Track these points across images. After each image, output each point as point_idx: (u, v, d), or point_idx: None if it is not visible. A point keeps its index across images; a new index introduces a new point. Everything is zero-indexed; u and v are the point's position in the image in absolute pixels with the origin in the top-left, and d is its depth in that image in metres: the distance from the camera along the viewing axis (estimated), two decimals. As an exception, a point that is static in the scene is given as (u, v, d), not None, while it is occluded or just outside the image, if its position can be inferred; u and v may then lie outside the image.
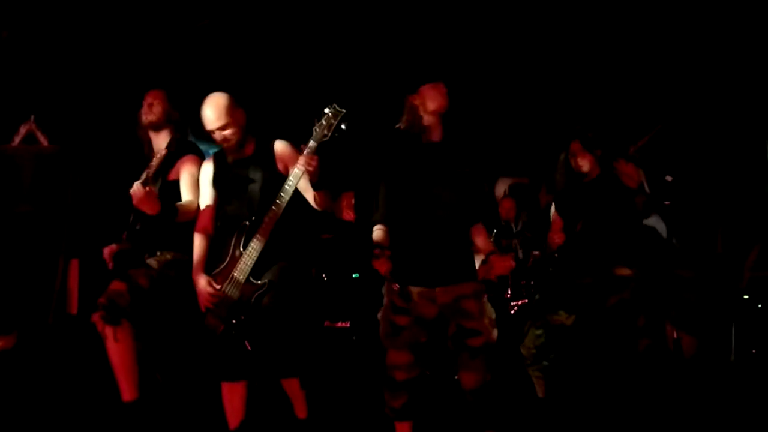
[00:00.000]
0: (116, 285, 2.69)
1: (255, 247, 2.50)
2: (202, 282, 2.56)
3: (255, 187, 2.58)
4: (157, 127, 2.85)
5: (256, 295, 2.49)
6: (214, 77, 4.91)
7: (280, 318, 2.52)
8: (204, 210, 2.70)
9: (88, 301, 2.79)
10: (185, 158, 2.79)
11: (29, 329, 3.78)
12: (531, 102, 5.29)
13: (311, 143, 2.43)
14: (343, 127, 2.42)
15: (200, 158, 2.84)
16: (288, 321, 2.56)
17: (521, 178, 5.83)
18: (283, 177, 2.54)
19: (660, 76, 4.68)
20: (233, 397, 2.59)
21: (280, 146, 2.64)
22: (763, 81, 4.49)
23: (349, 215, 4.52)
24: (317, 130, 2.43)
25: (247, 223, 2.54)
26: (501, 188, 5.83)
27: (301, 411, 2.76)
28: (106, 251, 2.80)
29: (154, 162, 2.57)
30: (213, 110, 2.57)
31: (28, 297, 3.87)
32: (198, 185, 2.73)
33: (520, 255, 4.58)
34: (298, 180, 2.48)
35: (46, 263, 3.90)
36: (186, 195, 2.75)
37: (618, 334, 2.92)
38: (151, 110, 2.85)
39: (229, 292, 2.52)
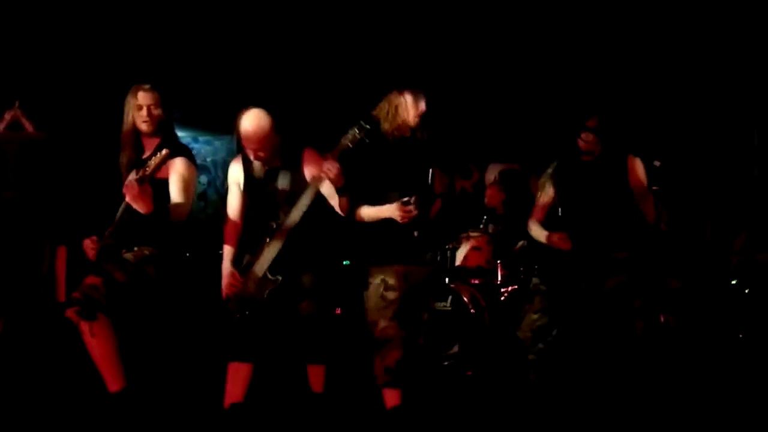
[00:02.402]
0: (91, 279, 2.68)
1: (274, 245, 2.67)
2: (226, 270, 2.80)
3: (283, 194, 2.75)
4: (152, 135, 2.82)
5: (269, 290, 2.68)
6: (204, 64, 4.90)
7: (292, 312, 2.73)
8: (234, 208, 2.87)
9: (76, 288, 2.77)
10: (176, 159, 2.76)
11: (16, 316, 3.76)
12: (522, 89, 5.29)
13: (334, 152, 2.60)
14: (366, 141, 2.62)
15: (191, 161, 2.85)
16: (302, 314, 2.74)
17: (512, 164, 5.84)
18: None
19: (649, 62, 4.69)
20: (237, 377, 2.72)
21: (308, 155, 2.80)
22: (751, 67, 4.51)
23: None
24: (342, 141, 2.61)
25: (274, 224, 2.71)
26: (491, 174, 5.84)
27: (318, 385, 2.88)
28: (87, 243, 2.77)
29: (153, 162, 2.56)
30: (255, 131, 2.68)
31: (14, 284, 3.85)
32: (189, 189, 2.79)
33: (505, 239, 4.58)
34: (318, 185, 2.67)
35: (33, 250, 3.88)
36: (177, 197, 2.74)
37: (616, 316, 2.96)
38: (150, 119, 2.80)
39: (248, 285, 2.71)
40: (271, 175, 2.79)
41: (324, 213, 2.78)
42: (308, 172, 2.74)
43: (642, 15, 4.35)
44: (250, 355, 2.73)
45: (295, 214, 2.66)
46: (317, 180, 2.65)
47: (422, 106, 2.73)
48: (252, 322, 2.69)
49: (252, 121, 2.68)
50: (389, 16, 4.49)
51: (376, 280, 2.69)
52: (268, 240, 2.70)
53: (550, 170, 3.22)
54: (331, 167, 2.54)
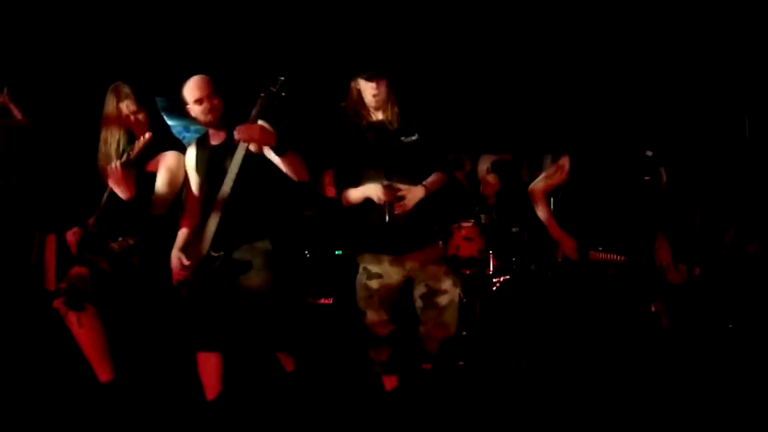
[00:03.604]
0: (77, 270, 2.67)
1: (213, 221, 2.59)
2: (174, 257, 2.71)
3: (228, 169, 2.63)
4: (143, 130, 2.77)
5: (214, 266, 2.60)
6: (199, 52, 4.85)
7: (237, 290, 2.60)
8: (191, 196, 2.80)
9: (65, 276, 2.75)
10: (167, 153, 2.77)
11: (4, 305, 3.73)
12: (513, 80, 5.28)
13: (252, 112, 2.55)
14: (283, 94, 2.57)
15: (182, 153, 2.83)
16: (250, 295, 2.61)
17: (504, 155, 5.85)
18: (256, 156, 2.63)
19: (640, 54, 4.69)
20: (207, 368, 2.65)
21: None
22: (742, 58, 4.52)
23: (331, 192, 4.50)
24: (261, 98, 2.57)
25: (213, 200, 2.63)
26: (484, 165, 5.85)
27: (288, 365, 2.92)
28: (69, 234, 2.74)
29: (137, 146, 2.55)
30: (198, 81, 2.65)
31: (2, 273, 3.82)
32: (174, 182, 2.77)
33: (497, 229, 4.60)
34: (244, 152, 2.57)
35: (21, 238, 3.84)
36: (161, 188, 2.73)
37: (616, 302, 3.00)
38: (140, 124, 2.77)
39: (196, 265, 2.62)
40: (218, 153, 2.72)
41: (263, 182, 2.67)
42: (236, 130, 2.60)
43: (634, 8, 4.35)
44: (214, 343, 2.60)
45: (227, 185, 2.57)
46: (241, 147, 2.56)
47: (375, 88, 2.67)
48: (204, 305, 2.58)
49: (191, 79, 2.68)
50: (381, 8, 4.46)
51: (360, 269, 2.74)
52: (208, 216, 2.61)
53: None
54: (246, 131, 2.47)
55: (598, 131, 3.08)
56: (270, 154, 2.60)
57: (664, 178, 3.07)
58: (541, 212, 3.13)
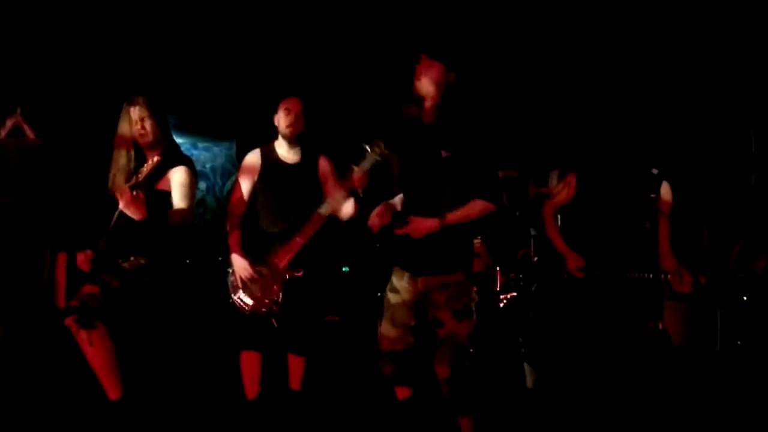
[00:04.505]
0: (88, 288, 2.69)
1: (297, 242, 2.86)
2: (240, 261, 2.92)
3: (298, 192, 2.98)
4: (152, 146, 2.84)
5: (289, 282, 2.87)
6: (209, 71, 4.91)
7: (308, 304, 2.96)
8: (238, 194, 3.05)
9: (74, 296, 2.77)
10: (176, 168, 2.80)
11: (16, 322, 3.76)
12: (519, 96, 5.31)
13: (362, 164, 2.68)
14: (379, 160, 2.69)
15: (191, 170, 2.86)
16: (313, 306, 3.00)
17: (510, 171, 5.85)
18: (319, 185, 3.05)
19: (646, 69, 4.71)
20: (251, 366, 2.95)
21: (325, 165, 3.11)
22: (748, 72, 4.53)
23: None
24: (365, 160, 2.67)
25: (292, 218, 2.90)
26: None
27: (295, 383, 3.06)
28: (81, 257, 2.77)
29: (146, 168, 2.60)
30: (295, 98, 3.05)
31: (14, 290, 3.85)
32: (190, 195, 2.83)
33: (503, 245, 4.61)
34: (343, 200, 2.90)
35: (33, 256, 3.88)
36: (179, 202, 2.77)
37: (626, 318, 3.00)
38: (145, 131, 2.82)
39: (266, 277, 2.88)
40: (292, 173, 3.03)
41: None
42: (323, 179, 3.06)
43: (639, 22, 4.37)
44: (259, 344, 2.93)
45: (318, 219, 2.85)
46: (346, 188, 2.80)
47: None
48: (268, 314, 2.87)
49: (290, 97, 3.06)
50: (391, 22, 4.50)
51: (390, 281, 2.66)
52: (285, 234, 2.88)
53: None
54: (363, 182, 2.71)
55: (604, 149, 3.10)
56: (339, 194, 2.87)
57: (670, 195, 3.07)
58: (548, 229, 3.14)
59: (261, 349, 2.96)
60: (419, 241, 2.45)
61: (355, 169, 2.72)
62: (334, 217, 3.02)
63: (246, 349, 2.95)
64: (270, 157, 3.07)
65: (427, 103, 2.53)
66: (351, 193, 2.86)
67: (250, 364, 2.95)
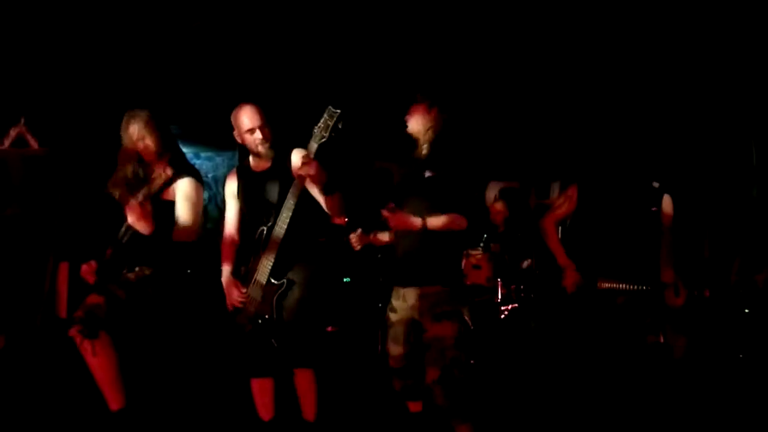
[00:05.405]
0: (93, 298, 2.69)
1: (270, 250, 2.65)
2: (229, 283, 2.77)
3: (273, 197, 2.70)
4: (157, 159, 2.81)
5: (277, 294, 2.66)
6: (211, 81, 4.93)
7: (301, 314, 2.70)
8: (230, 221, 2.87)
9: (78, 305, 2.77)
10: (183, 180, 2.77)
11: (18, 332, 3.76)
12: (521, 107, 5.33)
13: (310, 146, 2.54)
14: (339, 126, 2.53)
15: (198, 181, 2.84)
16: (308, 316, 2.73)
17: (511, 182, 5.87)
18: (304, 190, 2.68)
19: (648, 83, 4.72)
20: (263, 393, 2.80)
21: (295, 156, 2.71)
22: (749, 85, 4.54)
23: (340, 219, 4.53)
24: (315, 132, 2.55)
25: (264, 229, 2.68)
26: (491, 192, 5.87)
27: (309, 413, 2.80)
28: (85, 268, 2.76)
29: (156, 183, 2.59)
30: (254, 110, 2.72)
31: (16, 300, 3.85)
32: (195, 209, 2.79)
33: (505, 256, 4.61)
34: (301, 188, 2.61)
35: (35, 266, 3.88)
36: (183, 218, 2.75)
37: (627, 331, 2.99)
38: (146, 151, 2.78)
39: (253, 294, 2.69)
40: (263, 180, 2.77)
41: (315, 213, 2.74)
42: (294, 163, 2.66)
43: (641, 35, 4.39)
44: (269, 369, 2.76)
45: (284, 216, 2.61)
46: (299, 181, 2.59)
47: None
48: (266, 332, 2.68)
49: (245, 105, 2.74)
50: (392, 33, 4.52)
51: (390, 300, 2.73)
52: (262, 245, 2.67)
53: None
54: (308, 167, 2.49)
55: (606, 162, 3.11)
56: (312, 190, 2.66)
57: (671, 208, 3.08)
58: (550, 241, 3.15)
59: (271, 374, 2.78)
60: (404, 254, 2.66)
61: (299, 154, 2.58)
62: (336, 227, 3.00)
63: (256, 377, 2.80)
64: (244, 172, 2.87)
65: (420, 141, 2.69)
66: (325, 186, 2.60)
67: (261, 391, 2.80)
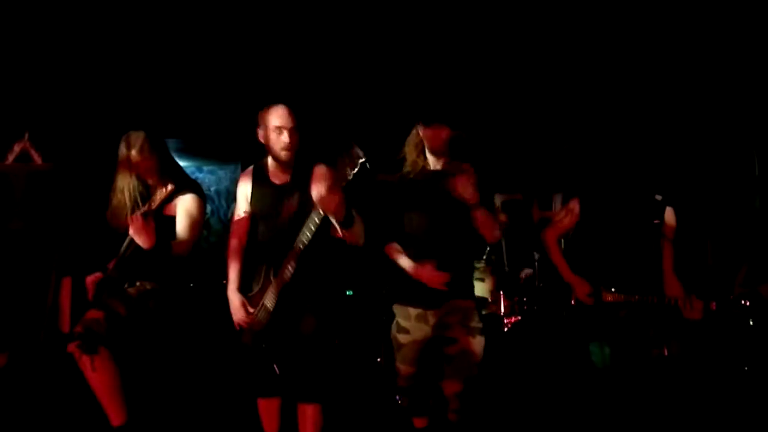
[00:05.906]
0: (93, 313, 2.69)
1: (285, 275, 2.52)
2: (236, 302, 2.66)
3: (290, 215, 2.61)
4: (159, 177, 2.81)
5: (285, 322, 2.57)
6: (214, 95, 4.96)
7: (310, 345, 2.59)
8: (239, 223, 2.75)
9: (79, 321, 2.77)
10: (184, 195, 2.78)
11: (20, 347, 3.75)
12: (523, 119, 5.34)
13: (335, 180, 2.35)
14: (367, 166, 2.34)
15: (200, 197, 2.84)
16: (317, 348, 2.61)
17: (514, 194, 5.86)
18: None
19: (650, 95, 4.73)
20: (270, 413, 2.74)
21: (318, 174, 2.43)
22: (751, 94, 4.55)
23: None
24: (339, 168, 2.34)
25: (277, 249, 2.56)
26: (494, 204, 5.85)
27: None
28: (89, 280, 2.77)
29: (158, 197, 2.60)
30: (287, 111, 2.62)
31: (19, 315, 3.85)
32: (195, 225, 2.78)
33: (506, 268, 4.60)
34: (320, 219, 2.45)
35: (38, 280, 3.88)
36: (181, 233, 2.75)
37: (631, 343, 2.99)
38: (144, 172, 2.78)
39: (260, 317, 2.59)
40: (281, 194, 2.65)
41: (333, 238, 2.62)
42: (315, 192, 2.38)
43: (642, 46, 4.41)
44: (276, 389, 2.70)
45: (303, 239, 2.46)
46: (318, 215, 2.45)
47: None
48: (270, 357, 2.63)
49: (279, 105, 2.64)
50: (396, 46, 4.55)
51: (394, 320, 2.71)
52: (274, 268, 2.54)
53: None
54: (330, 199, 2.32)
55: (608, 175, 3.11)
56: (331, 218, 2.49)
57: (674, 220, 3.08)
58: (553, 255, 3.14)
59: (278, 394, 2.71)
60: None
61: (322, 177, 2.36)
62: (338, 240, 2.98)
63: (263, 397, 2.74)
64: (260, 177, 2.73)
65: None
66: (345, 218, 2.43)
67: (268, 411, 2.75)
